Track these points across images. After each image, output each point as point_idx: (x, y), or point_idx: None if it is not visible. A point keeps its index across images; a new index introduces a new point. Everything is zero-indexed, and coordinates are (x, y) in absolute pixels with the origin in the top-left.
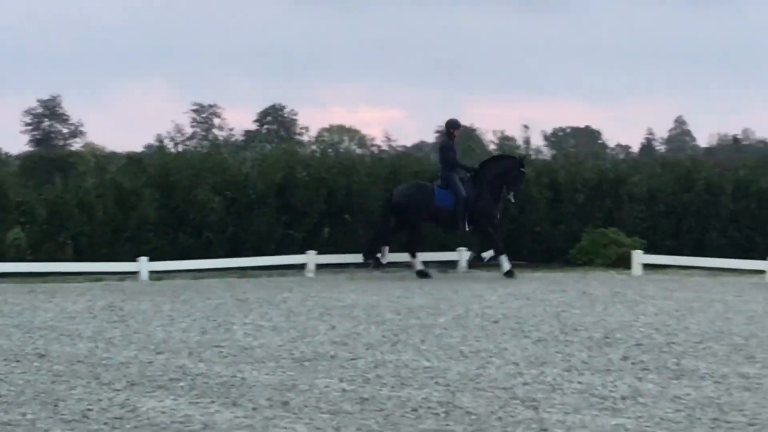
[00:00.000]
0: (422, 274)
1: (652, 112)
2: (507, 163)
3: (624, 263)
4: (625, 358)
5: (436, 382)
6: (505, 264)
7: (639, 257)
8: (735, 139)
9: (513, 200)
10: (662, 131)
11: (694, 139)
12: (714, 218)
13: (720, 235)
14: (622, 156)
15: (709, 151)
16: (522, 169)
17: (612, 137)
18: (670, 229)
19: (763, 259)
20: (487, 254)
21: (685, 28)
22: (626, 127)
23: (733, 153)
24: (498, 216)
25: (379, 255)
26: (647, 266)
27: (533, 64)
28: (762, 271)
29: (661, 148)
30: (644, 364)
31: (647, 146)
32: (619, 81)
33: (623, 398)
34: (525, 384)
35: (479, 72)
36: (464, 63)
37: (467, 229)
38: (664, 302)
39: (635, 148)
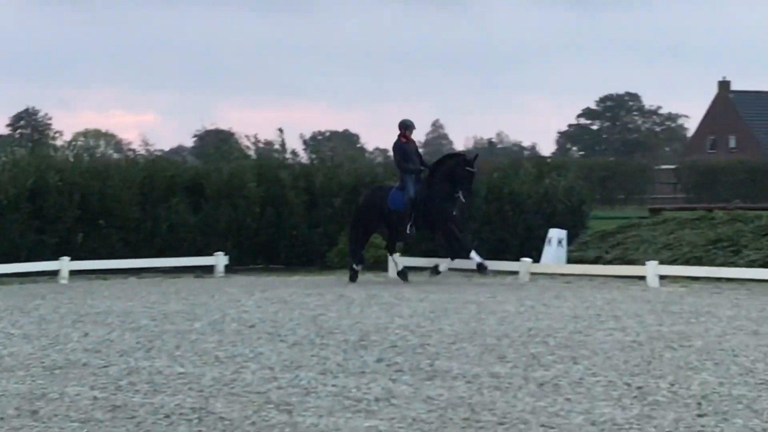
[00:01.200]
0: (402, 275)
1: (410, 115)
2: (453, 162)
3: (381, 266)
4: (379, 360)
5: (190, 388)
6: (476, 258)
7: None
8: (490, 143)
9: (463, 199)
10: (420, 135)
11: (451, 142)
12: (468, 220)
13: (474, 236)
14: (380, 159)
15: None
16: (468, 168)
17: (370, 141)
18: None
19: (516, 260)
20: (444, 266)
21: (441, 32)
22: (384, 130)
23: (487, 156)
24: (453, 214)
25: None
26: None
27: (289, 67)
28: (515, 272)
29: (422, 150)
30: (398, 365)
31: None
32: (377, 85)
33: (377, 400)
34: (279, 388)
35: (233, 75)
36: (217, 66)
37: (408, 231)
38: (419, 304)
39: None
